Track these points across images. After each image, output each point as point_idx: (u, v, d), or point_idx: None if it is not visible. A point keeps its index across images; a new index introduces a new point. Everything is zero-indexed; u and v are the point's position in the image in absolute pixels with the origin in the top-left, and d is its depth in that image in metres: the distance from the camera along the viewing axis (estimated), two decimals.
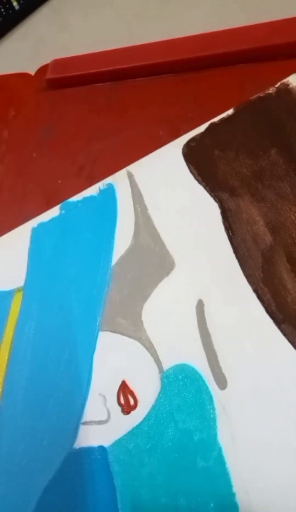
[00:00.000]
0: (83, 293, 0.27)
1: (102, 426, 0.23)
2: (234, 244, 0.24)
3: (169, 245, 0.26)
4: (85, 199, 0.30)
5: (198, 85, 0.33)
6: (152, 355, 0.24)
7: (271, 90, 0.27)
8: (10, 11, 0.50)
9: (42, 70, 0.40)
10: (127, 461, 0.22)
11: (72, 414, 0.24)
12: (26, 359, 0.27)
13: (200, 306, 0.24)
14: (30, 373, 0.26)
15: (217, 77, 0.32)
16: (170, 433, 0.22)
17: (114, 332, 0.25)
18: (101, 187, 0.30)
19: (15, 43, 0.50)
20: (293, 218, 0.24)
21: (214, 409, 0.22)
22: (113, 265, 0.27)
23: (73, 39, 0.46)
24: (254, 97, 0.27)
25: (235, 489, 0.19)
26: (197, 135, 0.28)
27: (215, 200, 0.26)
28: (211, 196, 0.26)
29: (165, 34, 0.34)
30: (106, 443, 0.23)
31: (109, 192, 0.29)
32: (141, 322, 0.25)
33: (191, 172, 0.27)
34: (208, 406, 0.22)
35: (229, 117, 0.28)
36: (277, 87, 0.27)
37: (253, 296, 0.23)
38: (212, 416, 0.22)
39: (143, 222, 0.27)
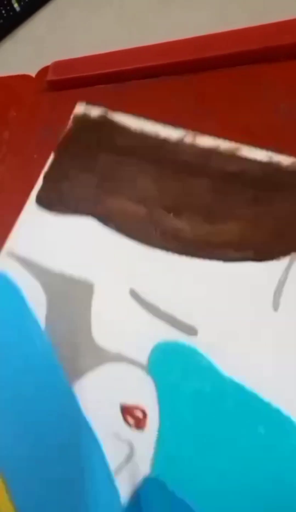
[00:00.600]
0: (36, 362, 0.27)
1: (129, 462, 0.22)
2: (130, 234, 0.28)
3: (79, 278, 0.28)
4: None
5: (198, 87, 0.33)
6: (128, 363, 0.24)
7: (69, 125, 0.33)
8: (11, 13, 0.50)
9: (43, 71, 0.40)
10: (179, 471, 0.21)
11: (100, 472, 0.23)
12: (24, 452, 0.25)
13: (133, 293, 0.26)
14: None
15: (218, 78, 0.32)
16: (197, 409, 0.22)
17: (83, 374, 0.25)
18: None
19: (16, 45, 0.50)
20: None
21: (203, 357, 0.23)
22: (44, 327, 0.28)
23: (74, 41, 0.46)
24: (61, 136, 0.32)
25: None
26: (41, 188, 0.32)
27: (94, 219, 0.29)
28: (84, 215, 0.30)
29: (165, 36, 0.34)
30: (146, 472, 0.22)
31: (2, 277, 0.30)
32: (97, 346, 0.26)
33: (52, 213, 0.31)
34: (199, 358, 0.23)
35: (53, 163, 0.32)
36: (72, 119, 0.33)
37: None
38: (207, 365, 0.23)
39: (47, 279, 0.29)
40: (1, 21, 0.50)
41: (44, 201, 0.31)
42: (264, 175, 0.27)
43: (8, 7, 0.50)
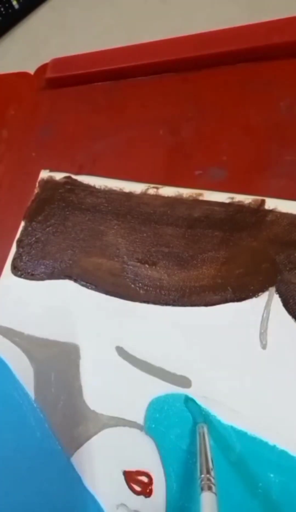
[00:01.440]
0: (30, 440, 0.26)
1: None
2: (108, 291, 0.28)
3: (64, 342, 0.28)
4: None
5: (198, 84, 0.32)
6: (123, 425, 0.24)
7: (36, 189, 0.34)
8: (10, 11, 0.50)
9: (42, 69, 0.39)
10: None
11: None
12: None
13: (120, 350, 0.26)
14: None
15: (217, 76, 0.32)
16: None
17: (80, 444, 0.25)
18: None
19: (15, 42, 0.50)
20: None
21: (201, 407, 0.23)
22: (34, 398, 0.27)
23: (73, 38, 0.46)
24: (30, 202, 0.34)
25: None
26: (15, 255, 0.33)
27: (71, 280, 0.30)
28: (61, 278, 0.30)
29: (164, 33, 0.34)
30: None
31: None
32: (91, 412, 0.25)
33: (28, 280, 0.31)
34: (195, 410, 0.23)
35: (24, 230, 0.33)
36: (38, 185, 0.34)
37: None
38: (206, 416, 0.22)
39: (32, 347, 0.29)
40: (0, 18, 0.50)
41: (20, 269, 0.32)
42: (228, 216, 0.27)
43: (6, 5, 0.50)
